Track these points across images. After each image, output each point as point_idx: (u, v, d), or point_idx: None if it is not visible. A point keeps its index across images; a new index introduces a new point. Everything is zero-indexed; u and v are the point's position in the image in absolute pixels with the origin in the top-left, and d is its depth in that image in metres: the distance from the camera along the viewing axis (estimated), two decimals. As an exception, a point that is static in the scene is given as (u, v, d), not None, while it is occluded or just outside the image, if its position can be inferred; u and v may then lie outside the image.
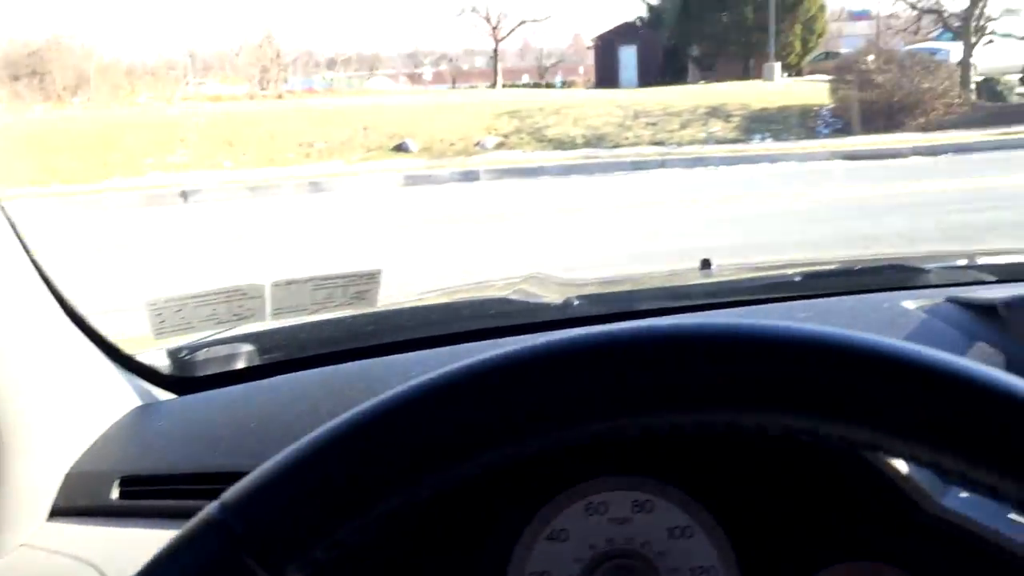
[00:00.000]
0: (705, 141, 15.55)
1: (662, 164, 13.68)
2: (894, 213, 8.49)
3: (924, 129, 15.37)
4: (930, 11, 18.35)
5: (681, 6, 33.40)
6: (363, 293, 1.03)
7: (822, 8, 33.10)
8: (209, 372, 1.06)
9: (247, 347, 1.08)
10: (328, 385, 0.96)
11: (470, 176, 13.51)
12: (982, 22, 17.68)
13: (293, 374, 1.00)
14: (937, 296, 1.04)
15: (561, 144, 15.70)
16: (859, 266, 1.35)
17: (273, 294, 1.02)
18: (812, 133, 16.03)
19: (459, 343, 1.02)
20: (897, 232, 7.62)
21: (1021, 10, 23.69)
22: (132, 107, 21.38)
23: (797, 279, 1.16)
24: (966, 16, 17.39)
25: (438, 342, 1.03)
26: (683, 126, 16.53)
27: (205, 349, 1.08)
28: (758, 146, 14.92)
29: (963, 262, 1.41)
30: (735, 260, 1.77)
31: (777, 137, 15.74)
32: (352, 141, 15.97)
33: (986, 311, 0.95)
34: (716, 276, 1.35)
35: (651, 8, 37.90)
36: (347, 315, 1.06)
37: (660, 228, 8.45)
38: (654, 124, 16.59)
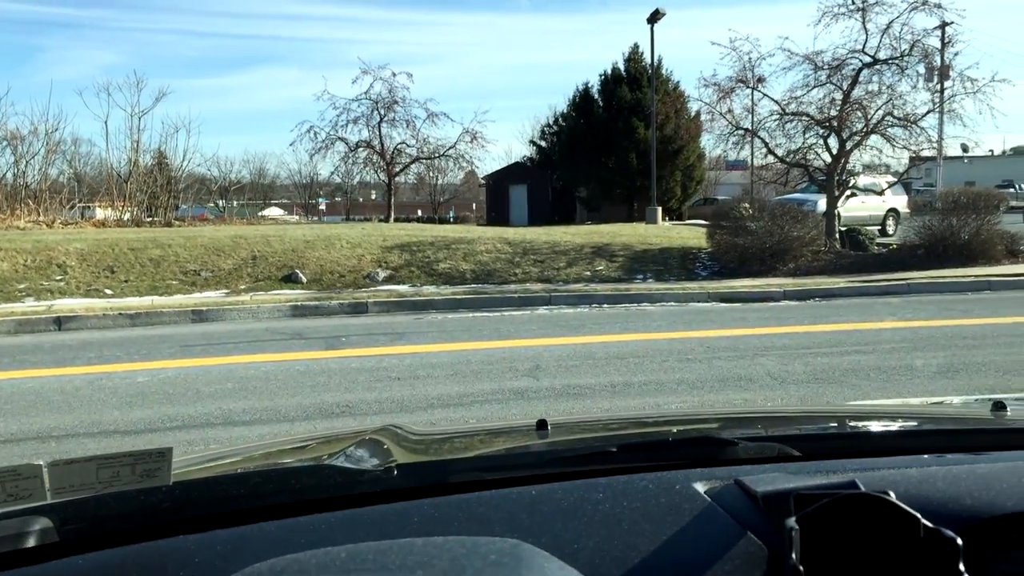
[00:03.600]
0: (591, 280, 16.03)
1: (548, 300, 14.01)
2: (767, 354, 8.87)
3: (794, 274, 16.27)
4: (797, 165, 19.68)
5: (568, 150, 34.91)
6: (152, 472, 1.00)
7: (700, 157, 35.13)
8: None
9: (40, 522, 1.00)
10: (122, 569, 0.92)
11: (358, 308, 13.52)
12: (844, 176, 19.06)
13: (87, 555, 0.95)
14: (731, 476, 1.07)
15: (451, 279, 15.93)
16: (673, 437, 1.39)
17: (52, 474, 0.97)
18: (691, 275, 16.73)
19: (261, 520, 1.00)
20: (768, 372, 7.96)
21: (879, 167, 25.74)
22: (10, 230, 20.69)
23: (613, 449, 1.20)
24: (829, 171, 18.73)
25: (241, 518, 1.01)
26: (570, 264, 17.04)
27: None
28: (640, 285, 15.46)
29: (775, 431, 1.46)
30: (581, 415, 1.83)
31: (658, 277, 16.37)
32: (241, 270, 15.82)
33: (755, 499, 1.00)
34: (551, 436, 1.39)
35: (541, 150, 39.50)
36: (141, 488, 1.01)
37: (543, 365, 8.58)
38: (541, 262, 17.05)
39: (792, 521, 0.89)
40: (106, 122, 39.91)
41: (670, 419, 1.78)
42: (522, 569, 0.85)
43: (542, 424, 1.39)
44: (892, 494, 0.93)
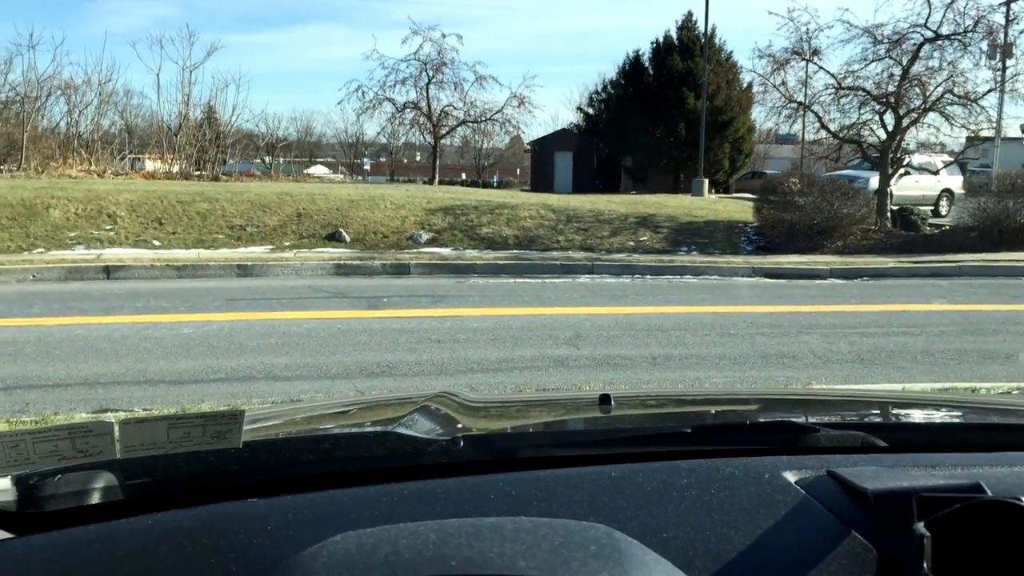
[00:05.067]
0: (634, 250, 15.91)
1: (591, 269, 13.94)
2: (811, 332, 8.75)
3: (842, 252, 16.01)
4: (850, 141, 19.28)
5: (615, 118, 34.53)
6: (223, 434, 0.97)
7: (750, 130, 34.55)
8: (58, 507, 0.95)
9: (104, 478, 0.98)
10: (192, 531, 0.89)
11: (401, 269, 13.56)
12: (899, 154, 18.63)
13: (155, 515, 0.92)
14: (820, 466, 1.01)
15: (493, 243, 15.91)
16: (750, 419, 1.32)
17: (123, 432, 0.95)
18: (736, 249, 16.54)
19: (331, 487, 0.98)
20: (812, 351, 7.85)
21: (935, 146, 25.14)
22: (62, 179, 21.03)
23: (688, 430, 1.15)
24: (884, 148, 18.31)
25: (307, 483, 0.99)
26: (613, 233, 16.92)
27: (54, 479, 0.97)
28: (684, 257, 15.32)
29: (854, 418, 1.39)
30: (640, 390, 1.79)
31: (703, 250, 16.20)
32: (286, 227, 15.93)
33: (862, 496, 0.93)
34: (615, 411, 1.35)
35: (588, 117, 39.14)
36: (211, 449, 0.99)
37: (583, 334, 8.54)
38: (585, 230, 16.95)
39: (922, 527, 0.84)
40: (158, 75, 40.26)
41: (737, 398, 1.71)
42: (626, 565, 0.81)
43: (605, 399, 1.34)
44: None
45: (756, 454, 1.06)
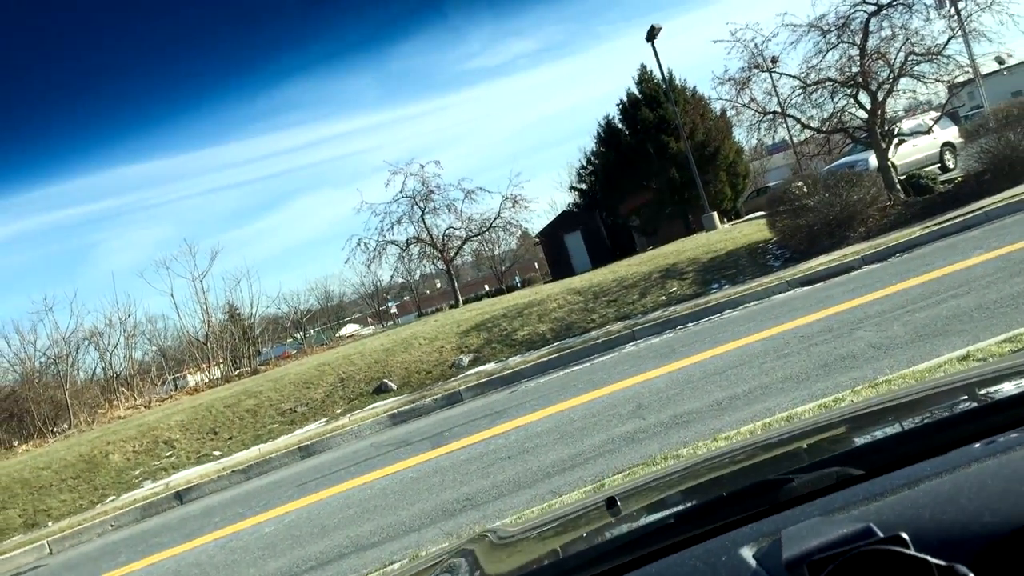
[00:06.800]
0: (667, 304, 15.87)
1: (632, 336, 13.90)
2: (862, 326, 8.62)
3: (867, 238, 15.87)
4: (836, 130, 19.33)
5: (608, 184, 34.92)
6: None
7: (739, 152, 34.72)
8: None
9: None
10: None
11: (452, 399, 13.59)
12: (886, 127, 18.62)
13: None
14: (779, 527, 1.00)
15: (532, 344, 15.94)
16: (728, 490, 1.28)
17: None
18: (765, 269, 16.45)
19: None
20: (869, 344, 7.73)
21: (921, 107, 25.15)
22: (113, 422, 21.47)
23: (672, 522, 1.15)
24: (869, 126, 18.33)
25: None
26: (642, 294, 16.91)
27: None
28: (717, 294, 15.25)
29: (833, 449, 1.35)
30: (643, 477, 1.80)
31: (733, 281, 16.12)
32: (332, 395, 16.09)
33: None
34: (623, 510, 1.36)
35: (583, 192, 39.57)
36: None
37: (644, 402, 8.48)
38: (615, 300, 16.97)
39: None
40: (172, 294, 41.52)
41: (732, 454, 1.70)
42: None
43: (611, 502, 1.35)
44: (906, 535, 0.86)
45: (727, 529, 1.07)
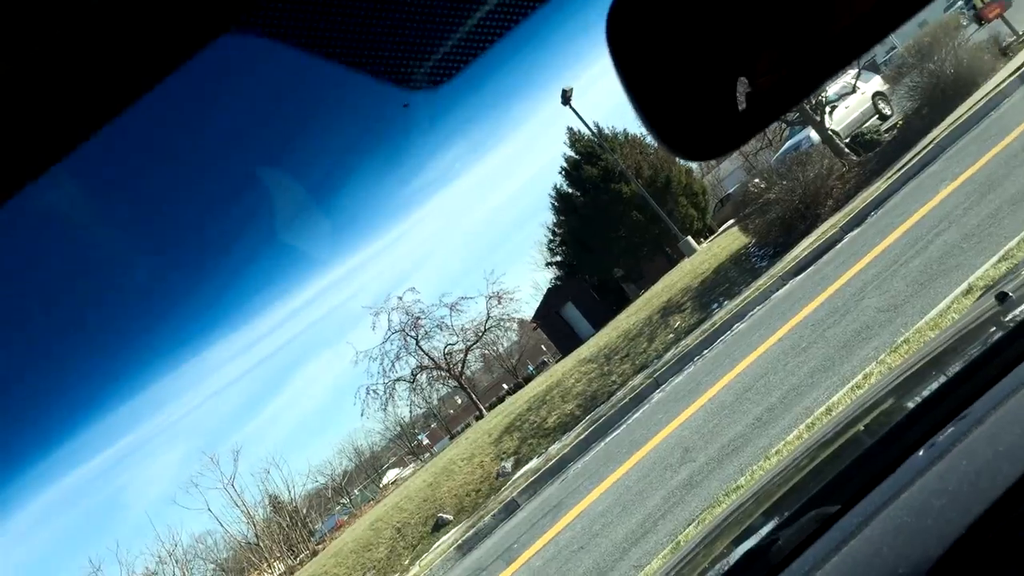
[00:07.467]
0: (677, 340, 15.84)
1: (656, 384, 13.81)
2: (865, 294, 8.62)
3: (837, 208, 15.98)
4: (769, 120, 19.62)
5: (579, 248, 35.21)
6: None
7: (688, 172, 35.16)
8: None
9: None
10: None
11: (509, 508, 13.39)
12: (814, 99, 18.92)
13: None
14: None
15: (565, 426, 15.81)
16: (731, 567, 1.28)
17: None
18: (754, 272, 16.49)
19: None
20: (876, 308, 7.72)
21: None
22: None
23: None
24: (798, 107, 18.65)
25: None
26: (650, 340, 16.88)
27: None
28: (720, 313, 15.23)
29: (811, 488, 1.33)
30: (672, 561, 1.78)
31: (730, 295, 16.14)
32: (394, 547, 15.82)
33: None
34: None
35: (560, 264, 39.81)
36: None
37: (690, 444, 8.39)
38: (627, 355, 16.92)
39: None
40: (209, 508, 40.99)
41: (737, 513, 1.66)
42: None
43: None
44: None
45: None
